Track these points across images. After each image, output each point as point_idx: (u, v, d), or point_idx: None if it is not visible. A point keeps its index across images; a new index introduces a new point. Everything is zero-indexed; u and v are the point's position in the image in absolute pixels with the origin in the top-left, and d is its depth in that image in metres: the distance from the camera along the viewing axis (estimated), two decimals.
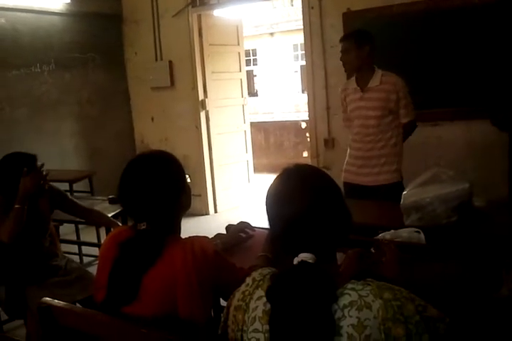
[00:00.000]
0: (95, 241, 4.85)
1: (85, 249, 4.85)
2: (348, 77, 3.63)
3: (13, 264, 2.74)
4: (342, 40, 3.51)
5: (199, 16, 6.26)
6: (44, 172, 2.79)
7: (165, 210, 1.63)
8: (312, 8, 5.29)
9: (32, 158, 2.81)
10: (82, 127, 6.17)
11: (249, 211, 6.43)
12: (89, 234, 4.92)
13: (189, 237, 1.62)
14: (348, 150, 3.68)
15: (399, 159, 3.54)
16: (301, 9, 5.56)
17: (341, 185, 1.38)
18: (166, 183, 1.63)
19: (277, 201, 1.31)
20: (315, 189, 1.29)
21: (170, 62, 6.37)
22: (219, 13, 6.53)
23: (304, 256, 1.22)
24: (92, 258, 4.72)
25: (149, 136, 6.77)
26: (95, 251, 4.69)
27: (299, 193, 1.27)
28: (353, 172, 3.59)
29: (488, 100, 4.39)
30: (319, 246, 1.25)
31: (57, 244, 3.25)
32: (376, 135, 3.45)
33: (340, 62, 3.52)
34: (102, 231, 4.54)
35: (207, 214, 6.43)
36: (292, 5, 17.68)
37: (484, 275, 1.84)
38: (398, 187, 3.34)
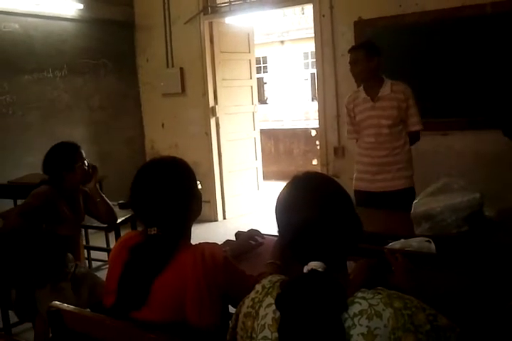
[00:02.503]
0: (104, 245, 4.86)
1: (94, 254, 4.87)
2: (358, 86, 3.65)
3: (25, 266, 2.76)
4: (351, 51, 3.55)
5: (211, 24, 6.30)
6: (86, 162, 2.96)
7: (176, 216, 1.64)
8: (323, 16, 5.30)
9: (76, 148, 2.96)
10: (93, 132, 6.20)
11: (258, 218, 6.42)
12: (98, 239, 4.93)
13: (199, 243, 1.63)
14: (357, 158, 3.69)
15: (411, 165, 3.60)
16: (311, 17, 5.58)
17: (351, 194, 1.38)
18: (177, 189, 1.64)
19: (287, 208, 1.31)
20: (325, 197, 1.29)
21: (181, 68, 6.41)
22: (230, 20, 6.57)
23: (314, 264, 1.21)
24: (101, 263, 4.72)
25: (159, 141, 6.80)
26: (104, 255, 4.70)
27: (309, 201, 1.27)
28: (367, 180, 3.60)
29: (500, 110, 4.38)
30: (329, 254, 1.25)
31: (80, 249, 3.28)
32: (390, 142, 3.50)
33: (349, 71, 3.55)
34: (111, 236, 4.54)
35: (215, 220, 6.43)
36: (303, 13, 17.73)
37: (495, 285, 1.83)
38: (411, 192, 3.42)
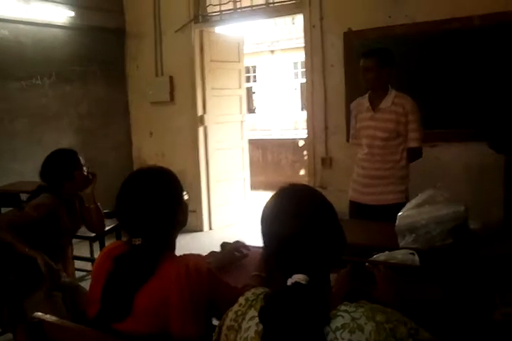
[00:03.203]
0: (88, 255, 4.82)
1: (77, 264, 4.81)
2: (366, 92, 3.60)
3: (14, 275, 2.72)
4: (363, 56, 3.47)
5: (201, 32, 6.31)
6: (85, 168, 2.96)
7: (161, 226, 1.63)
8: (313, 26, 5.34)
9: (75, 154, 2.95)
10: (81, 139, 6.16)
11: (245, 228, 6.40)
12: (81, 249, 4.89)
13: (184, 255, 1.62)
14: (356, 168, 3.67)
15: (405, 181, 3.53)
16: (302, 27, 5.62)
17: (342, 204, 1.38)
18: (163, 199, 1.64)
19: (271, 220, 1.32)
20: (309, 209, 1.30)
21: (170, 77, 6.41)
22: (221, 30, 6.59)
23: (298, 277, 1.22)
24: (84, 273, 4.68)
25: (147, 150, 6.78)
26: (88, 265, 4.66)
27: (293, 212, 1.28)
28: (358, 191, 3.59)
29: (486, 122, 4.42)
30: (313, 266, 1.25)
31: (69, 258, 3.25)
32: (384, 156, 3.46)
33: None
34: (96, 245, 4.51)
35: (201, 230, 6.39)
36: (293, 23, 17.84)
37: (478, 298, 1.84)
38: (401, 208, 3.35)
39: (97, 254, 4.54)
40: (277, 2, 5.76)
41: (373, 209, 3.47)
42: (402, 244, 2.45)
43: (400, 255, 2.14)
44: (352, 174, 3.71)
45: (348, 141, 4.11)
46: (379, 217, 3.30)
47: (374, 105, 3.49)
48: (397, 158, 3.46)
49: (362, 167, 3.58)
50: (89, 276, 4.56)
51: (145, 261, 1.58)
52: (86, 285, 2.93)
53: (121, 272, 1.59)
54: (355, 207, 3.56)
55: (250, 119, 10.96)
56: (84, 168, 2.96)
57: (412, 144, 3.46)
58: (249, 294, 1.32)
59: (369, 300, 1.22)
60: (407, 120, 3.40)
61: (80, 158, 2.96)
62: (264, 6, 5.89)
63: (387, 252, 2.18)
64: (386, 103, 3.44)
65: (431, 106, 4.67)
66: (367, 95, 3.58)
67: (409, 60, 4.76)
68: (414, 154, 3.51)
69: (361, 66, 3.47)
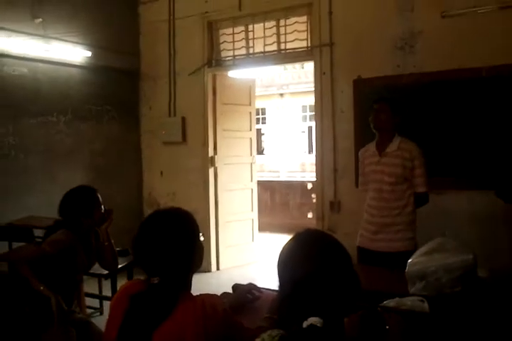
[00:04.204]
0: (96, 292, 4.82)
1: (86, 300, 4.81)
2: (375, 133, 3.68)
3: (31, 310, 2.74)
4: (379, 101, 3.61)
5: (214, 76, 6.48)
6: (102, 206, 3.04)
7: (178, 267, 1.68)
8: (324, 73, 5.47)
9: (94, 192, 3.02)
10: (93, 177, 6.22)
11: (252, 270, 6.38)
12: (90, 286, 4.89)
13: (200, 294, 1.66)
14: (365, 214, 3.69)
15: (413, 227, 3.55)
16: (311, 72, 5.77)
17: (349, 249, 1.42)
18: (181, 240, 1.69)
19: (287, 263, 1.36)
20: (324, 253, 1.34)
21: (183, 118, 6.53)
22: (233, 73, 6.76)
23: (313, 319, 1.25)
24: (92, 310, 4.67)
25: (157, 189, 6.84)
26: (96, 302, 4.66)
27: (308, 257, 1.33)
28: (368, 238, 3.60)
29: (494, 172, 4.46)
30: (327, 310, 1.28)
31: (82, 294, 3.27)
32: (391, 201, 3.48)
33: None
34: (106, 283, 4.50)
35: (209, 271, 6.36)
36: (303, 67, 18.09)
37: None
38: (410, 255, 3.35)
39: (106, 292, 4.54)
40: (289, 49, 5.92)
41: (382, 256, 3.46)
42: (412, 290, 2.47)
43: (409, 301, 2.16)
44: (361, 220, 3.74)
45: (356, 185, 4.15)
46: (387, 263, 3.30)
47: (380, 150, 3.57)
48: (404, 203, 3.49)
49: (371, 214, 3.61)
50: (97, 314, 4.55)
51: (162, 300, 1.62)
52: (95, 322, 2.96)
53: (139, 311, 1.63)
54: (364, 253, 3.57)
55: (259, 160, 11.08)
56: (102, 206, 3.01)
57: (419, 189, 3.51)
58: (265, 335, 1.35)
59: None
60: (413, 165, 3.47)
61: (99, 195, 3.02)
62: (276, 53, 6.04)
63: (397, 298, 2.20)
64: (392, 147, 3.51)
65: (438, 154, 4.72)
66: (374, 141, 3.65)
67: (417, 108, 4.85)
68: (421, 199, 3.56)
69: (374, 109, 3.58)
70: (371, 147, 3.65)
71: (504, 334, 1.83)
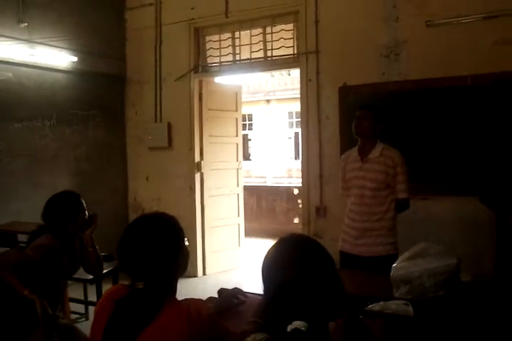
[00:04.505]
0: (81, 297, 4.79)
1: (71, 306, 4.78)
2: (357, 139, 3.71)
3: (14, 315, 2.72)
4: (363, 108, 3.63)
5: (200, 82, 6.49)
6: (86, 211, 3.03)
7: (163, 271, 1.67)
8: (310, 80, 5.51)
9: (78, 197, 3.02)
10: (78, 182, 6.18)
11: (238, 275, 6.38)
12: (76, 291, 4.86)
13: (185, 299, 1.66)
14: (346, 219, 3.71)
15: (394, 232, 3.59)
16: (297, 79, 5.80)
17: (335, 254, 1.44)
18: (166, 245, 1.69)
19: (271, 267, 1.37)
20: (307, 258, 1.35)
21: (169, 123, 6.52)
22: (219, 79, 6.77)
23: (298, 323, 1.26)
24: (77, 316, 4.64)
25: (143, 194, 6.82)
26: (81, 308, 4.63)
27: (292, 261, 1.34)
28: (350, 243, 3.62)
29: (478, 178, 4.50)
30: (311, 314, 1.29)
31: (66, 300, 3.25)
32: (373, 207, 3.52)
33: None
34: (91, 288, 4.48)
35: (195, 276, 6.34)
36: (289, 74, 18.22)
37: None
38: (392, 259, 3.35)
39: (91, 297, 4.52)
40: (276, 56, 5.94)
41: (364, 260, 3.50)
42: (396, 294, 2.50)
43: (394, 305, 2.18)
44: (342, 225, 3.77)
45: None
46: (369, 268, 3.34)
47: (363, 155, 3.60)
48: (385, 208, 3.53)
49: (352, 219, 3.63)
50: (82, 319, 4.53)
51: (147, 304, 1.61)
52: (81, 327, 2.94)
53: (123, 315, 1.62)
54: (346, 258, 3.59)
55: (245, 166, 11.10)
56: (86, 211, 3.01)
57: (401, 195, 3.56)
58: (249, 339, 1.36)
59: None
60: (395, 172, 3.51)
61: (82, 201, 3.01)
62: (262, 59, 6.07)
63: (382, 302, 2.22)
64: (375, 153, 3.55)
65: (423, 160, 4.77)
66: (356, 147, 3.68)
67: (402, 115, 4.90)
68: (402, 205, 3.61)
69: (357, 115, 3.61)
70: (353, 153, 3.68)
71: (486, 338, 1.85)
